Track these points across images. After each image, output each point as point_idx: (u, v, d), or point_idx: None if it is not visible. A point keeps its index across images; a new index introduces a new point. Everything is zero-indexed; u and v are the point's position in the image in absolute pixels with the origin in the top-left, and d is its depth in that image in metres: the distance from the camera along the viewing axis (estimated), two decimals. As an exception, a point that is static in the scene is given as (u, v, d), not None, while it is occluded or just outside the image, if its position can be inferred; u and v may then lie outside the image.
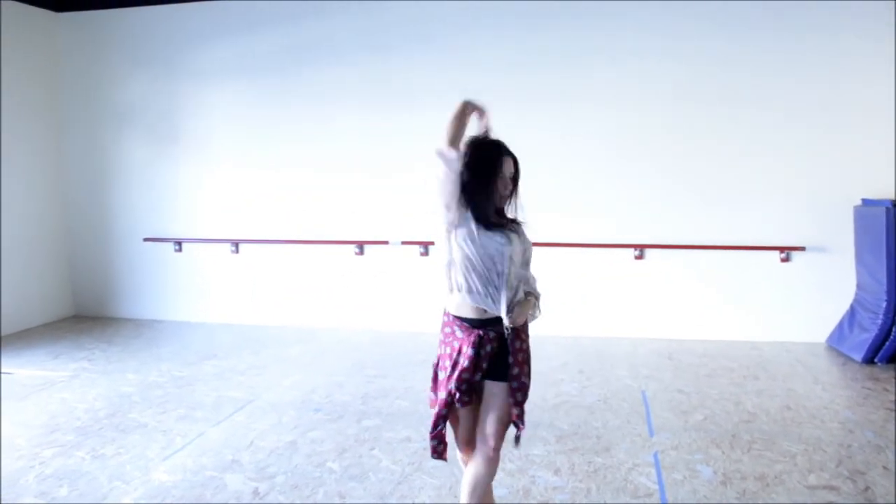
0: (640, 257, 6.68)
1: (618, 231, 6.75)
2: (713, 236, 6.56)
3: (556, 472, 3.88)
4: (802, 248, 6.40)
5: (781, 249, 6.43)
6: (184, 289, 7.79)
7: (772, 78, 6.39)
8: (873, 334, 5.82)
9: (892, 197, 6.04)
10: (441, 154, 2.90)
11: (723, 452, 4.11)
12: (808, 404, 4.93)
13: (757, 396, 5.09)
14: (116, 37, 7.66)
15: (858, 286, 6.23)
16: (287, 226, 7.44)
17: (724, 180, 6.54)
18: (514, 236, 2.96)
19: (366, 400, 5.11)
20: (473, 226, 2.87)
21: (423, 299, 7.11)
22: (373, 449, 4.22)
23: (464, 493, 2.94)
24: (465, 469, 3.05)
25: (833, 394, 5.16)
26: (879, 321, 5.80)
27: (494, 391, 2.93)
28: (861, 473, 3.83)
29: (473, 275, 2.88)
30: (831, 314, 6.39)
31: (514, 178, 2.96)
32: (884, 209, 5.74)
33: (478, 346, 2.87)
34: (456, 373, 2.88)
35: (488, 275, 2.88)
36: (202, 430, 4.55)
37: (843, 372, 5.67)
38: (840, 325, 6.30)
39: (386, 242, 7.21)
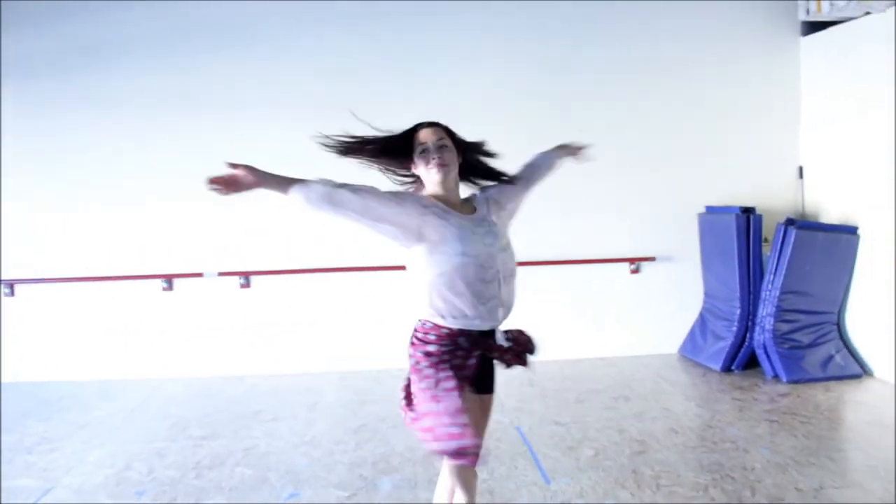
0: (487, 276, 6.18)
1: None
2: (560, 251, 6.21)
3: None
4: (652, 259, 6.23)
5: (631, 261, 6.22)
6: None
7: (611, 87, 6.19)
8: (729, 342, 5.72)
9: (733, 203, 6.01)
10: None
11: (632, 494, 3.64)
12: (690, 424, 4.63)
13: (637, 420, 4.72)
14: None
15: (707, 294, 6.15)
16: (74, 260, 6.11)
17: (567, 192, 6.20)
18: (483, 218, 2.64)
19: (199, 472, 4.11)
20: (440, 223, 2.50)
21: (247, 337, 6.19)
22: (221, 543, 3.31)
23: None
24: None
25: (708, 409, 4.92)
26: (735, 328, 5.72)
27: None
28: (780, 500, 3.51)
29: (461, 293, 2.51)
30: (681, 324, 6.27)
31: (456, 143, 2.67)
32: (734, 216, 5.67)
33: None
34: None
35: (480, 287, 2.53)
36: (-25, 544, 3.38)
37: (707, 384, 5.49)
38: (692, 335, 6.18)
39: (200, 275, 6.17)
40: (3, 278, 6.11)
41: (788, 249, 5.46)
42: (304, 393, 5.60)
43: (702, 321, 6.14)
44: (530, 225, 6.08)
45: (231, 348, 6.19)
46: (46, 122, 6.10)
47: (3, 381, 6.05)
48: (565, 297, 6.28)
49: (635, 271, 6.24)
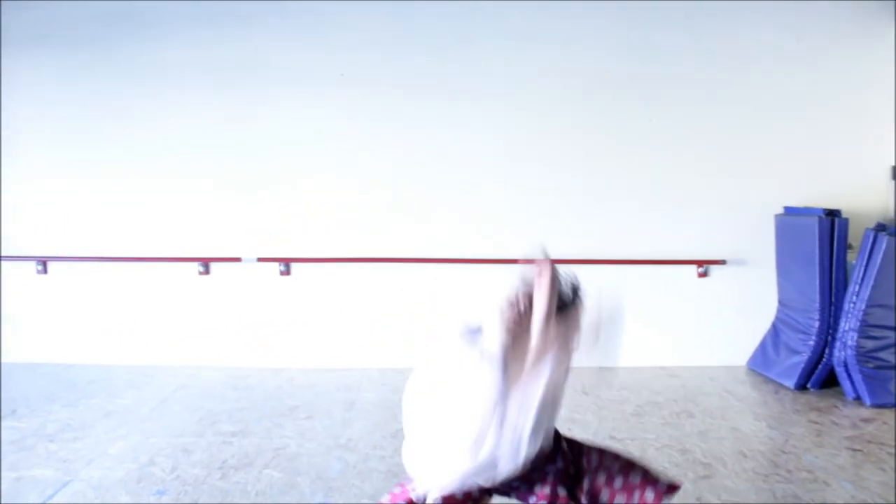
0: (540, 274, 5.77)
1: (511, 245, 5.67)
2: (623, 250, 5.75)
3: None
4: (723, 262, 5.73)
5: (700, 263, 5.74)
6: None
7: (684, 82, 5.72)
8: (805, 357, 5.21)
9: (815, 204, 5.49)
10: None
11: (697, 528, 3.23)
12: (762, 448, 4.16)
13: (702, 441, 4.27)
14: None
15: (781, 303, 5.63)
16: (109, 240, 5.91)
17: (634, 188, 5.77)
18: None
19: (225, 472, 3.83)
20: None
21: (285, 327, 5.91)
22: (236, 557, 2.99)
23: None
24: None
25: (782, 432, 4.43)
26: (812, 342, 5.20)
27: None
28: (869, 548, 3.05)
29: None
30: (751, 334, 5.76)
31: None
32: (816, 219, 5.14)
33: None
34: None
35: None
36: (-21, 540, 3.14)
37: (780, 403, 4.99)
38: (762, 347, 5.67)
39: (238, 259, 5.90)
40: (36, 255, 5.94)
41: (878, 258, 4.92)
42: (341, 390, 5.29)
43: (774, 332, 5.62)
44: (593, 221, 5.70)
45: (268, 338, 5.92)
46: (85, 99, 5.90)
47: (32, 361, 5.90)
48: (626, 298, 5.81)
49: (703, 275, 5.76)
